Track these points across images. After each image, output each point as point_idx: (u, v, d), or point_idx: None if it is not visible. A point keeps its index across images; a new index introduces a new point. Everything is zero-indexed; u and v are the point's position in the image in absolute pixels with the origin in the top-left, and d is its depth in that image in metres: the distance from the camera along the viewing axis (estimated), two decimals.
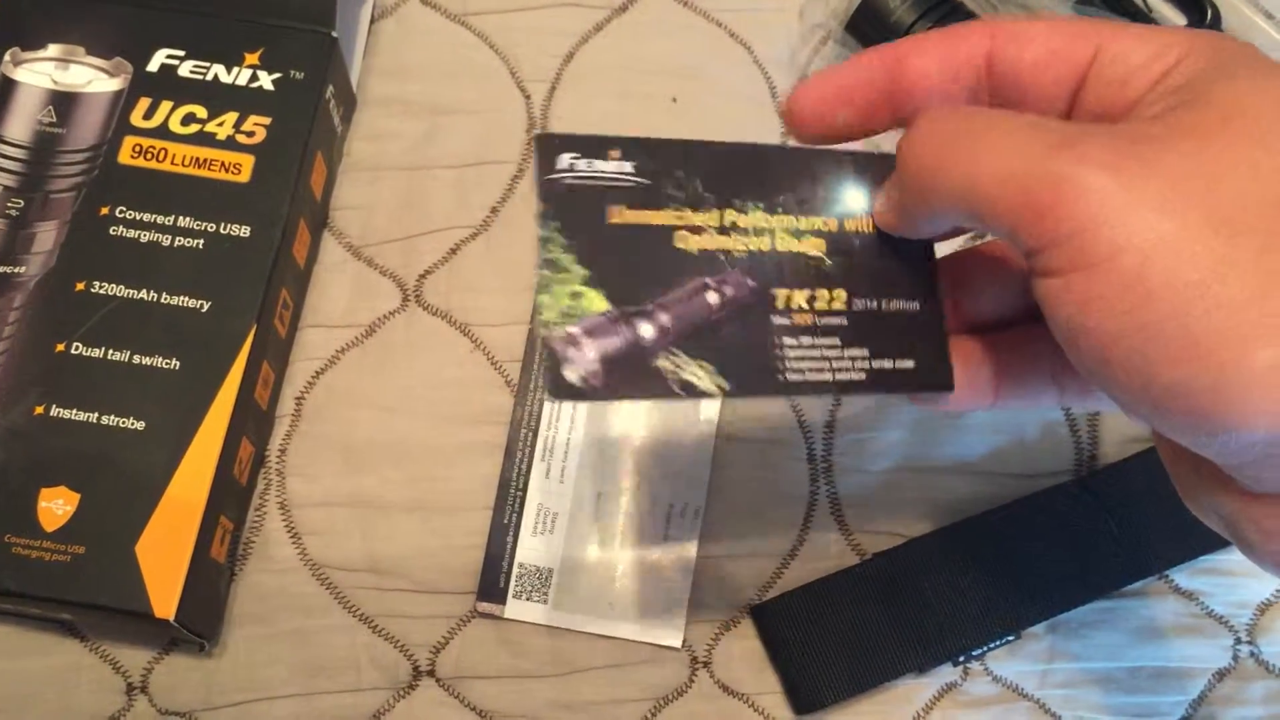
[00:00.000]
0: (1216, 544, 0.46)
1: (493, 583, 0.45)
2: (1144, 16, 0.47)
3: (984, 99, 0.29)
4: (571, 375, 0.27)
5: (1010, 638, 0.45)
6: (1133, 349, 0.23)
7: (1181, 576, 0.47)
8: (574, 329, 0.27)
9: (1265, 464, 0.24)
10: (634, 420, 0.47)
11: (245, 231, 0.44)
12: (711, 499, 0.46)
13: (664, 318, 0.28)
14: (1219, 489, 0.27)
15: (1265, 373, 0.22)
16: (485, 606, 0.45)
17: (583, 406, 0.46)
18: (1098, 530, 0.46)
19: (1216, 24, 0.47)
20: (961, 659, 0.45)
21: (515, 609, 0.45)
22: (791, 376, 0.29)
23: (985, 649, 0.45)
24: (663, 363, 0.28)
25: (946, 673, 0.46)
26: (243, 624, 0.45)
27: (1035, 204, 0.24)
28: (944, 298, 0.31)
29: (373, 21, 0.52)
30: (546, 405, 0.47)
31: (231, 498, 0.43)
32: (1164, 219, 0.23)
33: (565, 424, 0.46)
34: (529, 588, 0.45)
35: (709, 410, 0.47)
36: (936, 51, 0.29)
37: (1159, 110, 0.25)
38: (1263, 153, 0.23)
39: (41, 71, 0.45)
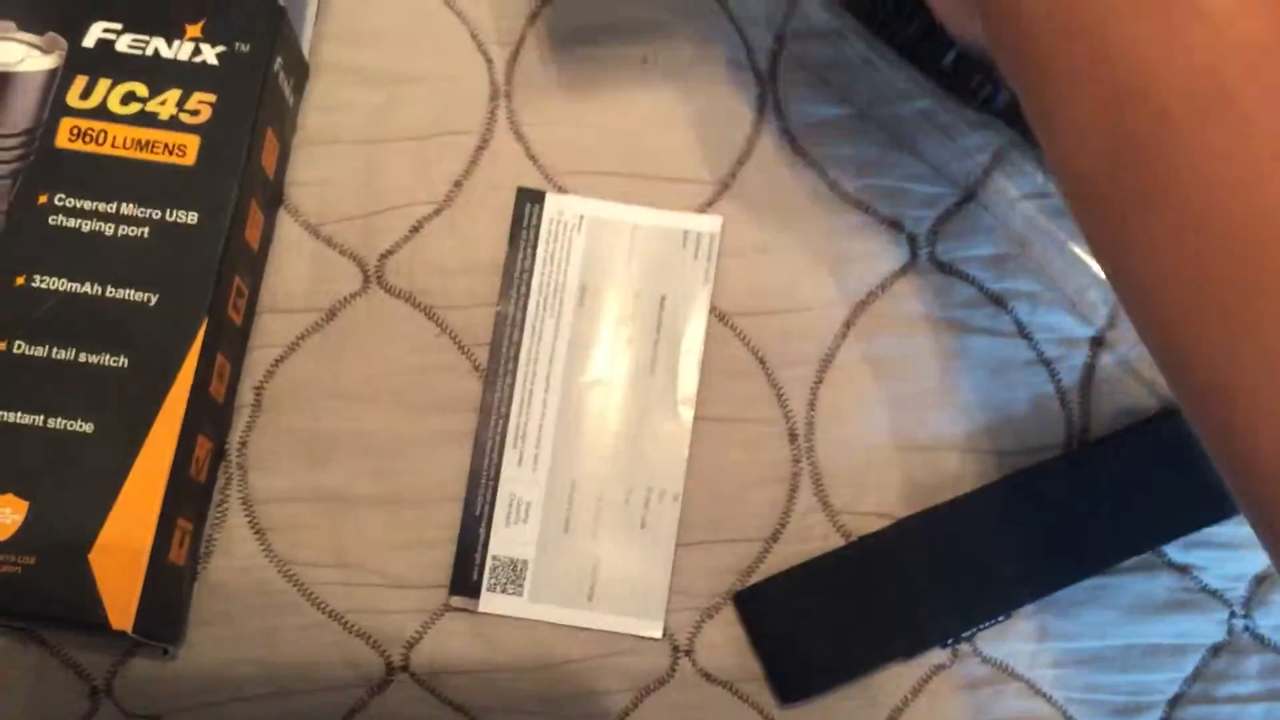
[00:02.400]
0: (1213, 516, 0.45)
1: (466, 576, 0.44)
2: None
3: None
4: None
5: (1000, 618, 0.44)
6: None
7: (1175, 550, 0.46)
8: None
9: None
10: (608, 402, 0.45)
11: (193, 218, 0.41)
12: (690, 482, 0.45)
13: None
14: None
15: None
16: (459, 601, 0.44)
17: (554, 390, 0.45)
18: (1089, 506, 0.45)
19: None
20: (950, 641, 0.44)
21: (490, 603, 0.44)
22: None
23: (974, 630, 0.44)
24: None
25: (935, 655, 0.44)
26: (208, 623, 0.43)
27: None
28: None
29: None
30: (517, 390, 0.45)
31: (190, 497, 0.42)
32: None
33: (537, 409, 0.45)
34: (503, 580, 0.44)
35: (686, 388, 0.45)
36: None
37: None
38: None
39: None
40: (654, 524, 0.44)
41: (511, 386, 0.45)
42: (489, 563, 0.44)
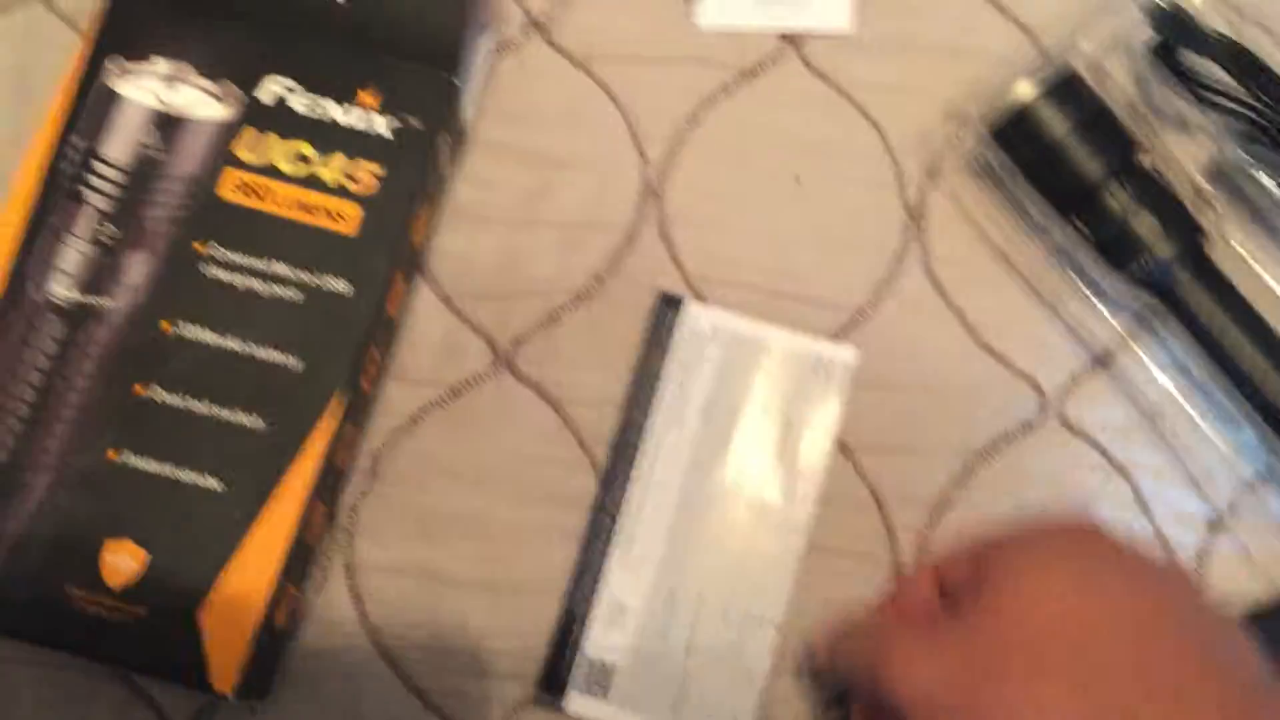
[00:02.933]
0: None
1: (555, 673, 0.43)
2: None
3: None
4: None
5: None
6: None
7: None
8: None
9: None
10: (721, 518, 0.45)
11: (344, 287, 0.42)
12: (790, 614, 0.44)
13: None
14: None
15: None
16: (545, 697, 0.43)
17: (669, 498, 0.44)
18: None
19: None
20: None
21: (576, 702, 0.43)
22: None
23: None
24: None
25: None
26: (295, 683, 0.43)
27: None
28: None
29: (492, 57, 0.49)
30: (633, 493, 0.45)
31: (300, 561, 0.42)
32: None
33: (650, 515, 0.44)
34: (592, 682, 0.43)
35: (801, 516, 0.45)
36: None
37: None
38: None
39: (147, 88, 0.43)
40: (749, 648, 0.44)
41: (626, 489, 0.45)
42: (580, 662, 0.43)
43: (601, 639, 0.44)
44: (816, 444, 0.45)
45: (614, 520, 0.44)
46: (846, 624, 0.42)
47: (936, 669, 0.35)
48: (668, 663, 0.44)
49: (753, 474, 0.45)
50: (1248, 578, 0.45)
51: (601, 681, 0.43)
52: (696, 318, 0.46)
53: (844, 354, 0.46)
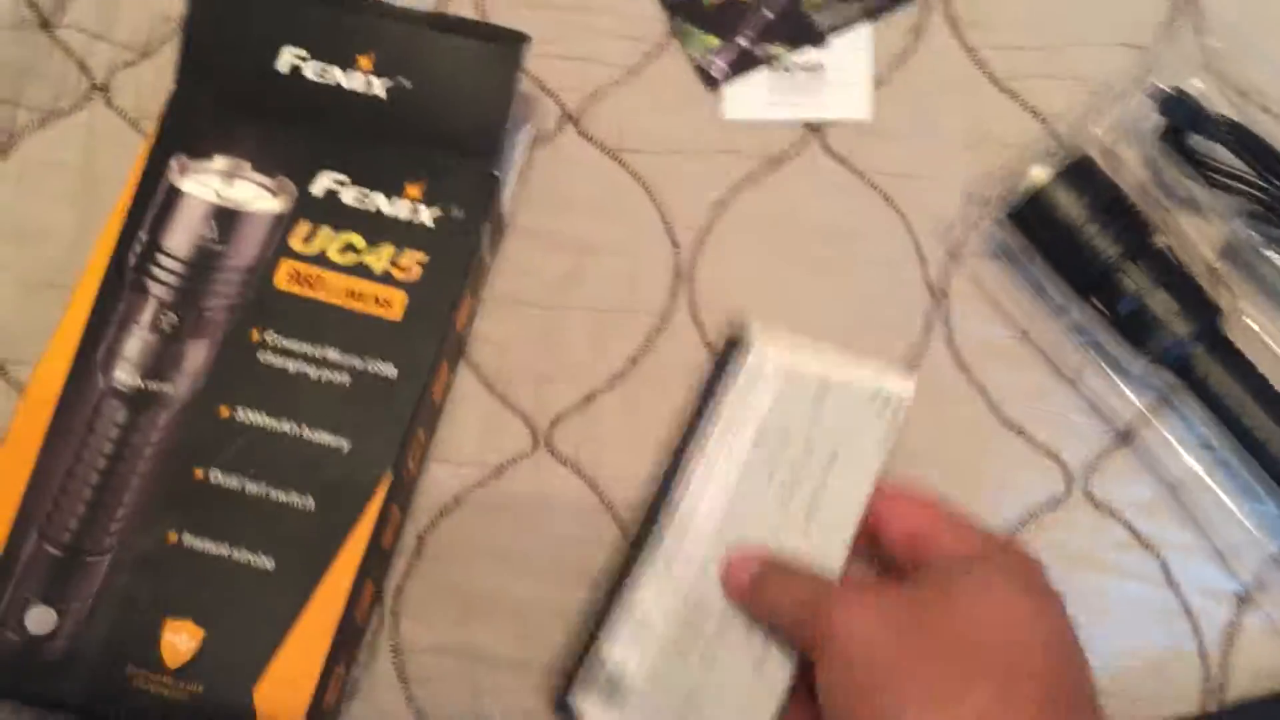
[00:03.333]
0: None
1: (569, 686, 0.43)
2: None
3: None
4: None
5: None
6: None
7: None
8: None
9: None
10: (758, 538, 0.44)
11: (391, 371, 0.43)
12: None
13: None
14: None
15: None
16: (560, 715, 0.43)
17: (712, 522, 0.43)
18: None
19: None
20: None
21: (590, 713, 0.43)
22: None
23: None
24: None
25: None
26: None
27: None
28: None
29: (530, 149, 0.51)
30: (680, 507, 0.43)
31: (350, 641, 0.43)
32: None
33: (692, 529, 0.43)
34: (606, 691, 0.42)
35: (834, 550, 0.44)
36: None
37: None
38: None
39: (206, 184, 0.45)
40: (769, 668, 0.42)
41: (672, 504, 0.43)
42: (595, 672, 0.42)
43: (620, 651, 0.42)
44: (859, 484, 0.44)
45: (656, 530, 0.43)
46: (777, 562, 0.41)
47: (881, 623, 0.36)
48: (685, 676, 0.43)
49: (793, 507, 0.44)
50: (1275, 651, 0.46)
51: (615, 691, 0.42)
52: (761, 357, 0.45)
53: (901, 386, 0.45)
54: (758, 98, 0.52)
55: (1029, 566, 0.40)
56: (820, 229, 0.51)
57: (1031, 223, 0.48)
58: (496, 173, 0.46)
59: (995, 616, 0.37)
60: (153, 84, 0.51)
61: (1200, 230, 0.49)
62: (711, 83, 0.52)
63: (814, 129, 0.52)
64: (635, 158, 0.51)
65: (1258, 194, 0.47)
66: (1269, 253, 0.47)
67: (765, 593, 0.41)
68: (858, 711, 0.35)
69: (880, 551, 0.43)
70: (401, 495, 0.44)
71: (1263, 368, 0.46)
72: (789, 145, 0.52)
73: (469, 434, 0.48)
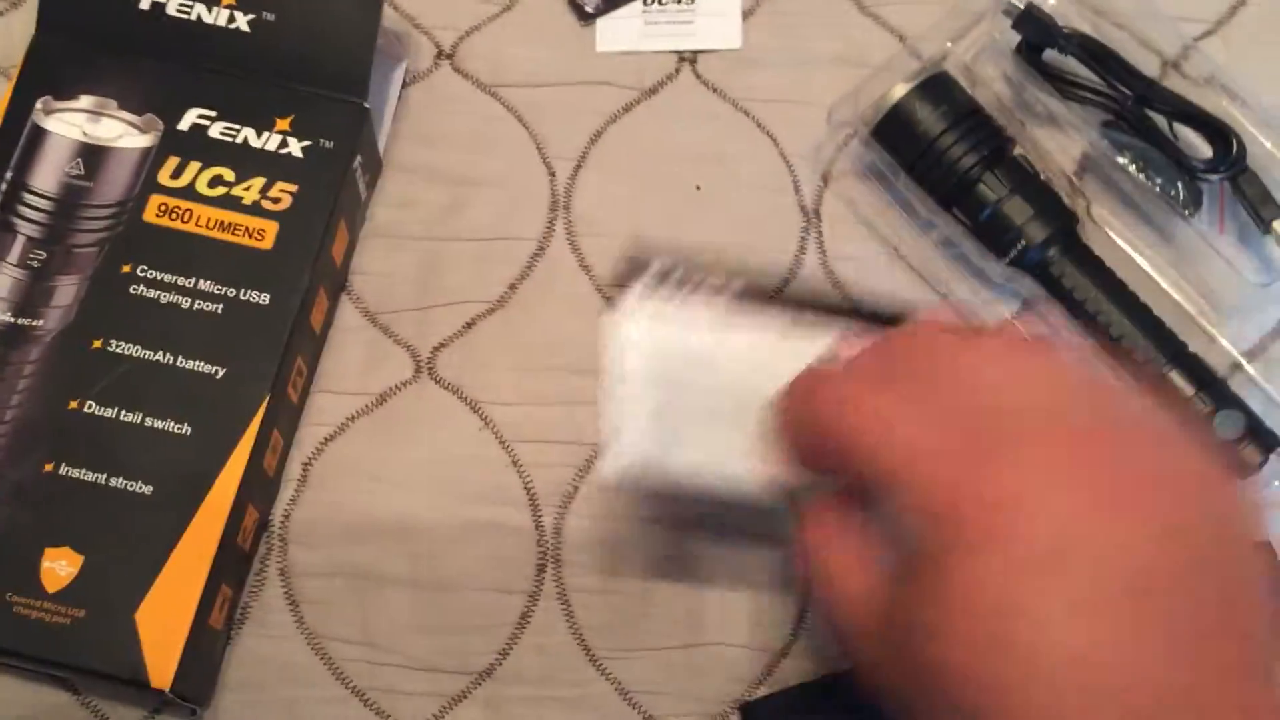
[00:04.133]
0: None
1: None
2: (1170, 145, 0.48)
3: None
4: None
5: None
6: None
7: None
8: None
9: None
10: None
11: (265, 299, 0.44)
12: (707, 588, 0.46)
13: None
14: None
15: None
16: None
17: None
18: None
19: (1241, 157, 0.47)
20: None
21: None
22: None
23: None
24: None
25: None
26: (235, 689, 0.45)
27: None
28: None
29: (404, 86, 0.52)
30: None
31: (233, 564, 0.43)
32: None
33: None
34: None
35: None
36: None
37: None
38: None
39: (72, 123, 0.45)
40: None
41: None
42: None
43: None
44: None
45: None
46: (790, 390, 0.34)
47: (925, 428, 0.29)
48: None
49: None
50: None
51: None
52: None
53: None
54: (630, 29, 0.53)
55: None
56: (694, 156, 0.52)
57: (892, 138, 0.49)
58: (366, 105, 0.47)
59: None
60: (21, 32, 0.50)
61: (1059, 143, 0.51)
62: (585, 16, 0.53)
63: (686, 59, 0.53)
64: (510, 92, 0.52)
65: (1110, 104, 0.49)
66: (1122, 160, 0.49)
67: (789, 434, 0.33)
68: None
69: None
70: (281, 420, 0.45)
71: (1119, 271, 0.48)
72: (662, 75, 0.53)
73: (352, 364, 0.48)
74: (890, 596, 0.29)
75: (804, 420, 0.33)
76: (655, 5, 0.54)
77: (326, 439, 0.47)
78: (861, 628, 0.30)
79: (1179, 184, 0.48)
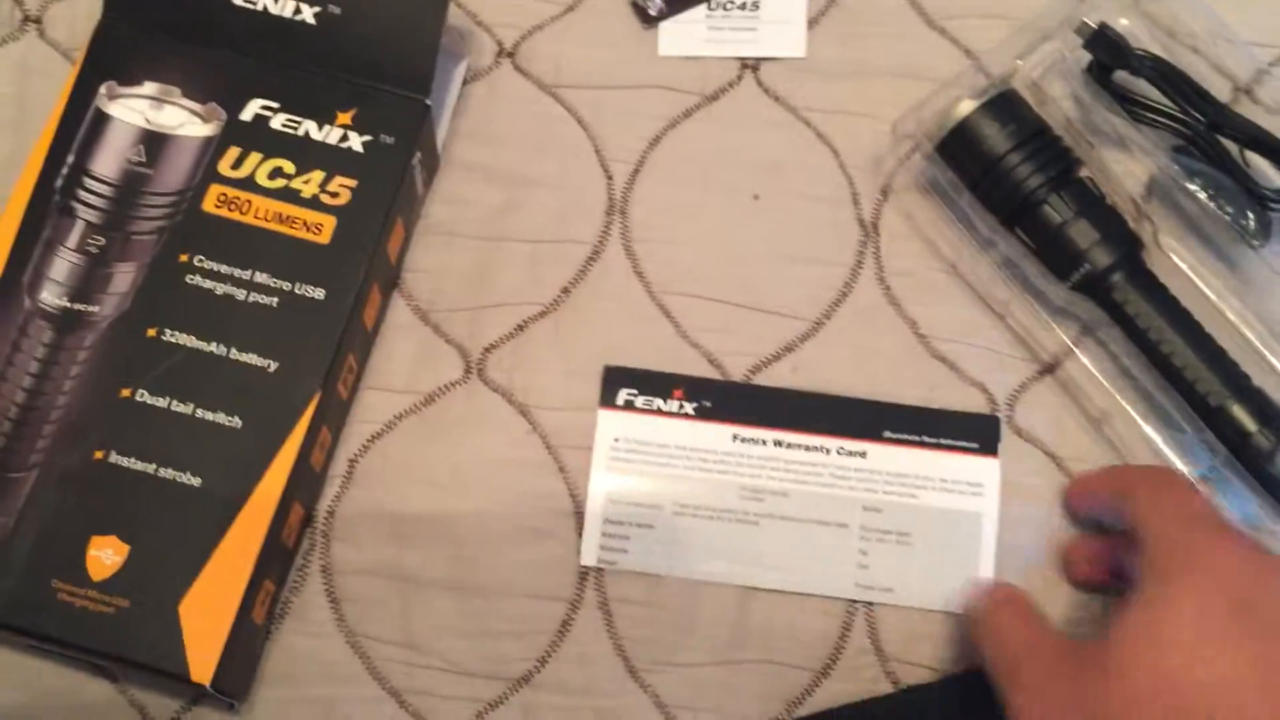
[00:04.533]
0: None
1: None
2: (1241, 171, 0.47)
3: None
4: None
5: None
6: None
7: None
8: None
9: None
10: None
11: (320, 294, 0.44)
12: (753, 600, 0.46)
13: None
14: None
15: None
16: None
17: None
18: None
19: None
20: None
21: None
22: None
23: None
24: None
25: None
26: (272, 684, 0.44)
27: None
28: None
29: (465, 84, 0.51)
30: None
31: (277, 559, 0.43)
32: None
33: None
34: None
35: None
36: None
37: None
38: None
39: (135, 109, 0.45)
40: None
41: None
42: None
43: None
44: None
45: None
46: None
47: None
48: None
49: None
50: None
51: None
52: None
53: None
54: (693, 34, 0.53)
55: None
56: (753, 164, 0.51)
57: (957, 155, 0.48)
58: (428, 101, 0.46)
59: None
60: (86, 16, 0.51)
61: (1126, 166, 0.50)
62: (648, 19, 0.53)
63: (749, 65, 0.52)
64: (570, 93, 0.52)
65: (1181, 128, 0.48)
66: (1191, 186, 0.48)
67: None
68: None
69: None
70: (331, 417, 0.45)
71: (1184, 300, 0.47)
72: (724, 82, 0.52)
73: (402, 362, 0.48)
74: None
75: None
76: (720, 10, 0.53)
77: (374, 436, 0.47)
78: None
79: (1249, 213, 0.47)
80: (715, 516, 0.46)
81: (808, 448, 0.47)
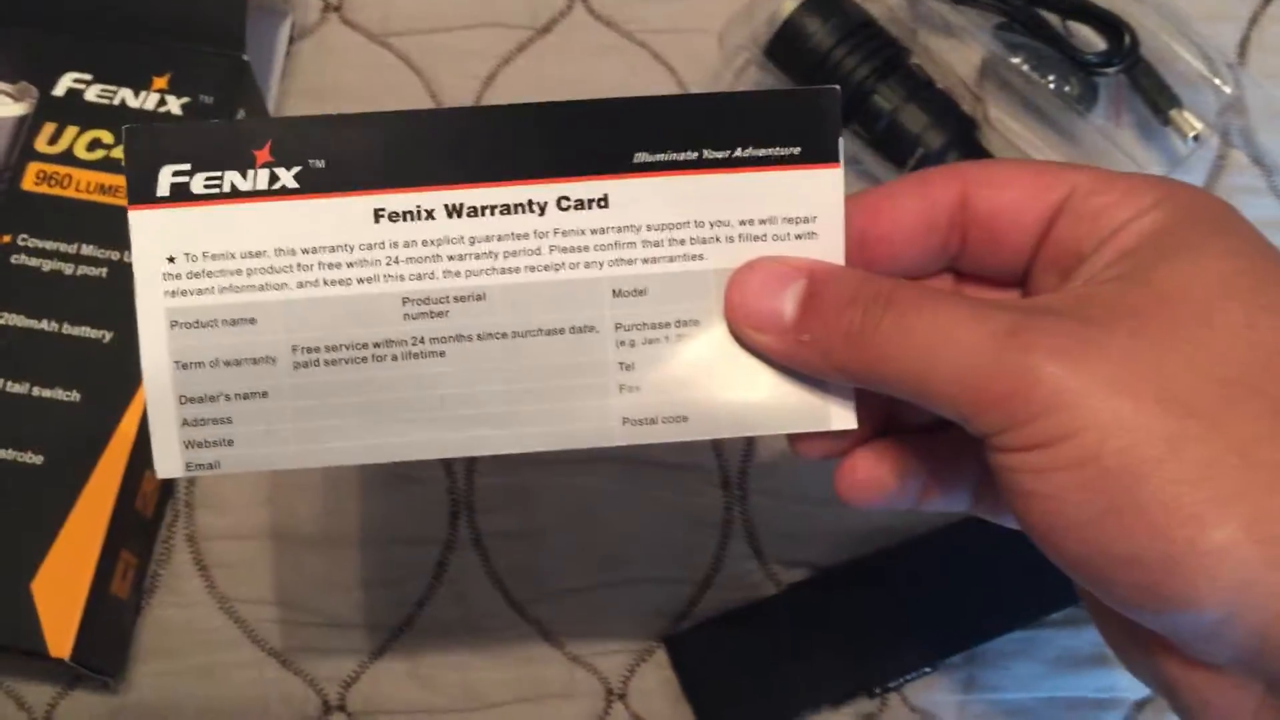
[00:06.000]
0: None
1: None
2: (1063, 42, 0.47)
3: (955, 241, 0.30)
4: None
5: (928, 669, 0.45)
6: (1088, 520, 0.24)
7: None
8: None
9: (1212, 640, 0.24)
10: None
11: None
12: (622, 523, 0.46)
13: None
14: (1158, 653, 0.27)
15: (1217, 553, 0.23)
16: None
17: None
18: (1018, 558, 0.45)
19: (1134, 50, 0.46)
20: (879, 690, 0.45)
21: None
22: None
23: (903, 680, 0.45)
24: None
25: (864, 704, 0.45)
26: (149, 659, 0.44)
27: (990, 395, 0.25)
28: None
29: (291, 42, 0.51)
30: None
31: (135, 532, 0.43)
32: (1118, 399, 0.24)
33: None
34: None
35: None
36: (910, 201, 0.29)
37: (1106, 276, 0.26)
38: (1205, 331, 0.24)
39: None
40: None
41: None
42: None
43: None
44: None
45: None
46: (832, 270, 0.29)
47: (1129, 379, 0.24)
48: None
49: None
50: None
51: None
52: None
53: None
54: None
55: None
56: (592, 92, 0.50)
57: (786, 57, 0.48)
58: (245, 57, 0.46)
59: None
60: None
61: (961, 53, 0.50)
62: None
63: None
64: (401, 40, 0.51)
65: (1001, 6, 0.48)
66: (1015, 60, 0.48)
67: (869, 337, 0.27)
68: (1117, 510, 0.24)
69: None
70: None
71: None
72: (555, 12, 0.52)
73: None
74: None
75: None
76: None
77: None
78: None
79: (1072, 80, 0.47)
80: (367, 357, 0.29)
81: (506, 208, 0.29)
